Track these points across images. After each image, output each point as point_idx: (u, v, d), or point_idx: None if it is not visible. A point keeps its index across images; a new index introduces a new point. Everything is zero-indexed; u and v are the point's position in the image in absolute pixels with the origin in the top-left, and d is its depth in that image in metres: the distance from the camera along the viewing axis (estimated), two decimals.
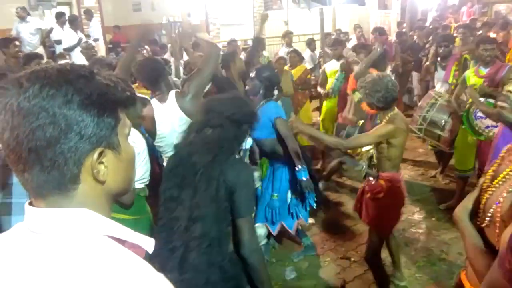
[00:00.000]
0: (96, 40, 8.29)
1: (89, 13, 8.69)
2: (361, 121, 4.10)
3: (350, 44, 8.51)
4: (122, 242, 0.72)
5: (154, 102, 2.73)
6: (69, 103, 0.67)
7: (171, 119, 2.67)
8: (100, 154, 0.71)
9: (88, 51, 5.72)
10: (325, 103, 5.34)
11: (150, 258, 1.64)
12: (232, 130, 1.79)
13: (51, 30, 7.24)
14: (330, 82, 5.20)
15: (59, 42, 7.11)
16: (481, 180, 1.31)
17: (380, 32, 6.75)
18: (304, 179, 2.98)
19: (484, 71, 3.83)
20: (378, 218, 2.79)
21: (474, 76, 3.86)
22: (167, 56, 6.16)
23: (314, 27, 9.76)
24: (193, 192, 1.69)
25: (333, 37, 8.00)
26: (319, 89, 5.42)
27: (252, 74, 3.16)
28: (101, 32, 8.58)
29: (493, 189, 1.20)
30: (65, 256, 0.66)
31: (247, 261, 1.72)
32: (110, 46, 8.11)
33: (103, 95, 0.71)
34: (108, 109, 0.71)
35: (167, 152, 2.71)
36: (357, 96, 3.97)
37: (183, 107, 2.65)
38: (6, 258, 0.69)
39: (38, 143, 0.66)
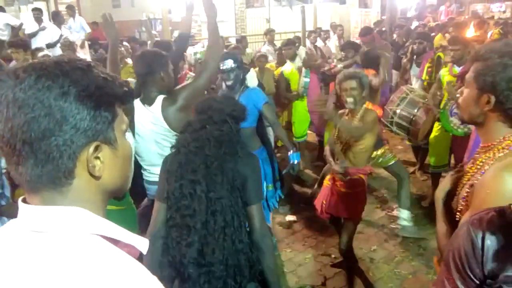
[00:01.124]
0: (87, 33, 8.16)
1: (71, 9, 8.52)
2: None
3: (330, 43, 8.59)
4: (115, 242, 0.71)
5: (136, 102, 2.46)
6: (65, 95, 0.66)
7: (151, 126, 2.43)
8: (96, 148, 0.70)
9: (66, 47, 5.60)
10: (295, 104, 5.16)
11: (161, 257, 1.72)
12: (234, 126, 1.88)
13: (20, 26, 7.06)
14: (294, 83, 5.06)
15: (33, 35, 6.94)
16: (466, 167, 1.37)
17: (365, 33, 6.52)
18: (295, 162, 3.03)
19: (457, 69, 3.93)
20: (355, 207, 2.90)
21: (448, 75, 3.96)
22: None
23: (295, 25, 9.82)
24: (208, 186, 1.74)
25: (312, 34, 8.05)
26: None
27: (228, 66, 3.01)
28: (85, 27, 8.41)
29: (464, 183, 1.28)
30: (57, 255, 0.65)
31: (259, 246, 1.80)
32: (89, 42, 7.94)
33: (101, 88, 0.70)
34: (105, 103, 0.71)
35: (140, 157, 2.56)
36: None
37: (166, 117, 2.37)
38: None
39: (32, 135, 0.65)
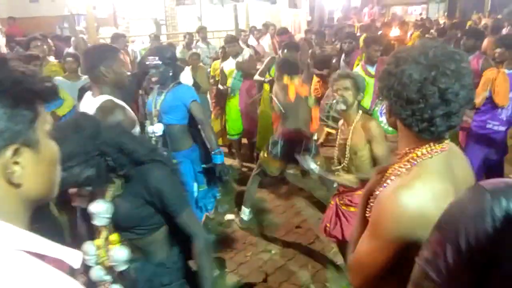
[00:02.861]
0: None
1: None
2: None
3: (263, 42, 8.69)
4: (41, 257, 0.62)
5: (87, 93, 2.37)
6: None
7: None
8: (15, 152, 0.61)
9: None
10: (228, 103, 5.18)
11: None
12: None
13: None
14: (230, 81, 5.10)
15: None
16: None
17: (282, 32, 6.88)
18: (219, 163, 2.96)
19: (372, 69, 4.16)
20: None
21: (364, 75, 4.18)
22: (71, 50, 5.71)
23: (227, 23, 9.80)
24: None
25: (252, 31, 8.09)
26: (220, 87, 5.24)
27: (152, 62, 2.84)
28: None
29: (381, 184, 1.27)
30: None
31: None
32: (4, 39, 7.28)
33: (18, 83, 0.61)
34: (24, 100, 0.62)
35: None
36: (312, 101, 4.03)
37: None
38: None
39: None
